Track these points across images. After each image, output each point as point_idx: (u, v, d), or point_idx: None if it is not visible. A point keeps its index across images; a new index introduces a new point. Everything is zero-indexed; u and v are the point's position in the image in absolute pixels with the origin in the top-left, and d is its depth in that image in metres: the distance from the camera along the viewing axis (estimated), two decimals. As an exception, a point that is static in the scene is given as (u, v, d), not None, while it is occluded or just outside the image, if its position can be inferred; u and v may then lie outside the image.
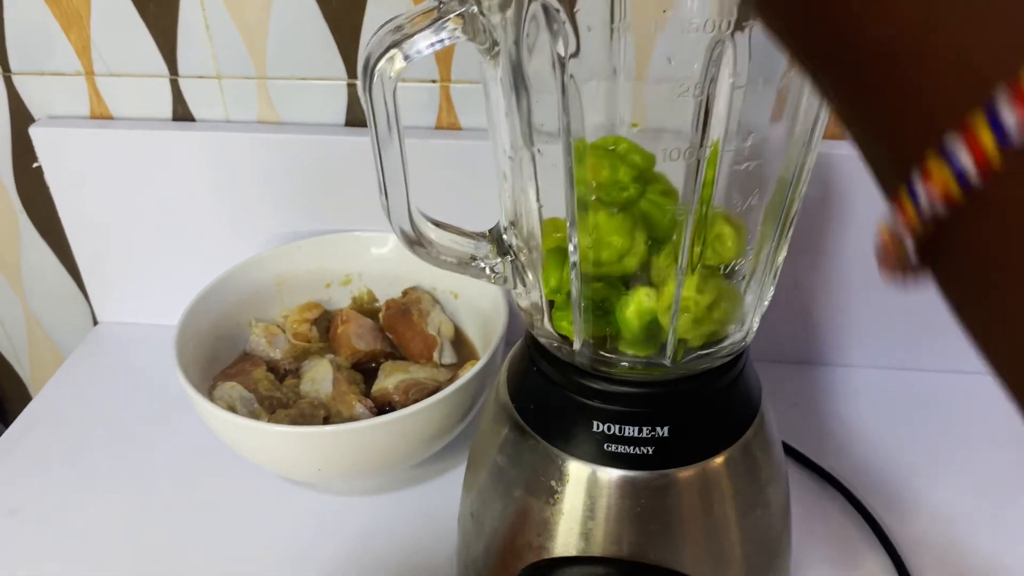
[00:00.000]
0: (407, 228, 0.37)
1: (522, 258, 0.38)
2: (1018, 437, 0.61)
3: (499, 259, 0.39)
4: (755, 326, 0.40)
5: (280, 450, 0.52)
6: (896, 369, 0.68)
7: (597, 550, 0.41)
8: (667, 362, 0.37)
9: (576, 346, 0.38)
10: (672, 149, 0.30)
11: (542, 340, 0.41)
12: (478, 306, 0.63)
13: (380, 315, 0.65)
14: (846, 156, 0.58)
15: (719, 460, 0.40)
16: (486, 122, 0.36)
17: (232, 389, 0.56)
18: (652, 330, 0.38)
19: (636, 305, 0.37)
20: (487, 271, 0.39)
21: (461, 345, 0.65)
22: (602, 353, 0.38)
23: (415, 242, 0.37)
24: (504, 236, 0.39)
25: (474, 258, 0.38)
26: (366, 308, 0.67)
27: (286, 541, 0.56)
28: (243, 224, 0.68)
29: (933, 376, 0.67)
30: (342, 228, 0.67)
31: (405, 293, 0.66)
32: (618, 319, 0.38)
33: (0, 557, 0.55)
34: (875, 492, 0.57)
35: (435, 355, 0.61)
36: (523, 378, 0.43)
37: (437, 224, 0.38)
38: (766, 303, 0.40)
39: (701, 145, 0.29)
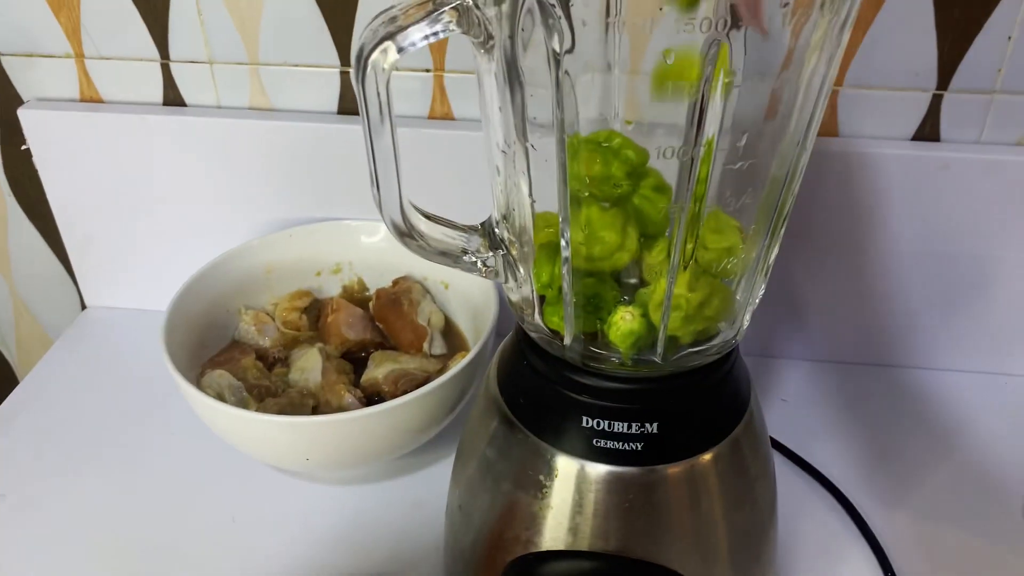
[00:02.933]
0: (398, 220, 0.37)
1: (514, 252, 0.38)
2: (1004, 437, 0.62)
3: (491, 253, 0.38)
4: (746, 323, 0.40)
5: (268, 439, 0.51)
6: (885, 366, 0.68)
7: (584, 544, 0.41)
8: (657, 359, 0.37)
9: (567, 341, 0.38)
10: (666, 147, 0.30)
11: (532, 334, 0.41)
12: (469, 297, 0.63)
13: (370, 305, 0.65)
14: (840, 153, 0.58)
15: (707, 457, 0.41)
16: (479, 114, 0.36)
17: (221, 377, 0.56)
18: (641, 346, 0.38)
19: (616, 328, 0.37)
20: (478, 265, 0.38)
21: (451, 336, 0.65)
22: (592, 349, 0.38)
23: (406, 234, 0.37)
24: (496, 230, 0.39)
25: (465, 251, 0.38)
26: (356, 297, 0.67)
27: (274, 530, 0.56)
28: (233, 211, 0.68)
29: (922, 374, 0.67)
30: (333, 216, 0.67)
31: (395, 283, 0.65)
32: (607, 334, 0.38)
33: (-15, 542, 0.55)
34: (861, 489, 0.57)
35: (425, 345, 0.61)
36: (513, 372, 0.43)
37: (428, 216, 0.38)
38: (757, 300, 0.40)
39: (695, 144, 0.29)
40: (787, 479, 0.58)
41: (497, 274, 0.39)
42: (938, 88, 0.57)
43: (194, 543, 0.55)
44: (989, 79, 0.56)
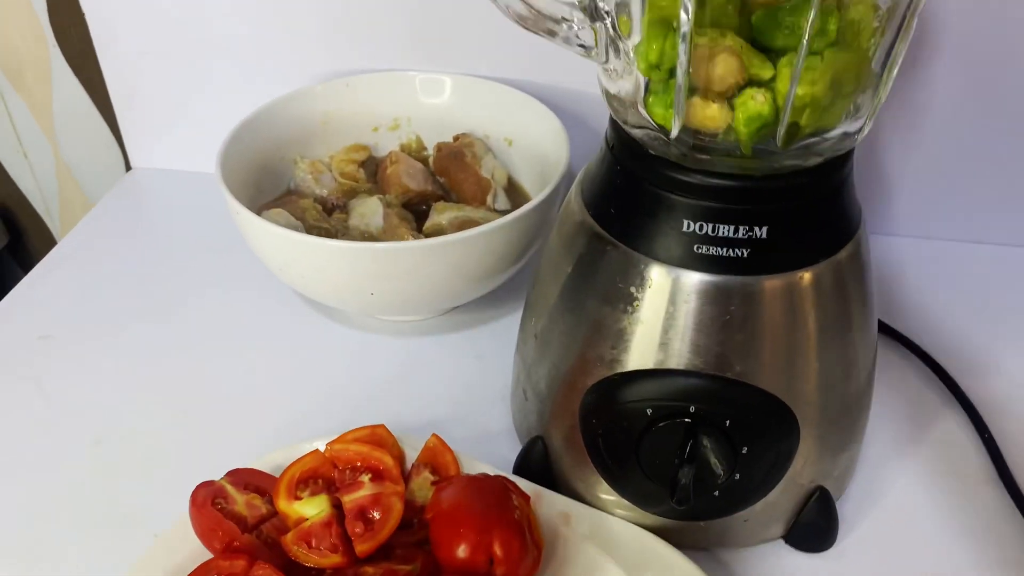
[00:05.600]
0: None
1: (620, 25, 0.35)
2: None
3: (590, 25, 0.35)
4: (868, 126, 0.36)
5: (330, 270, 0.49)
6: (974, 243, 0.64)
7: (675, 362, 0.38)
8: (776, 145, 0.34)
9: (674, 133, 0.35)
10: None
11: (632, 132, 0.37)
12: (535, 151, 0.60)
13: (430, 159, 0.62)
14: (946, -4, 0.54)
15: (813, 272, 0.37)
16: None
17: (278, 215, 0.53)
18: (764, 134, 0.34)
19: (744, 109, 0.33)
20: (575, 39, 0.35)
21: (515, 195, 0.61)
22: (702, 139, 0.35)
23: (510, 3, 0.34)
24: (601, 2, 0.35)
25: (564, 20, 0.35)
26: (415, 156, 0.64)
27: (329, 377, 0.54)
28: (290, 59, 0.65)
29: (1012, 251, 0.63)
30: (395, 67, 0.63)
31: (456, 138, 0.62)
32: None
33: (30, 378, 0.53)
34: (953, 357, 0.54)
35: (489, 199, 0.58)
36: (602, 182, 0.40)
37: (527, -17, 0.35)
38: (881, 101, 0.36)
39: None
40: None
41: (597, 53, 0.35)
42: (1062, -78, 0.52)
43: (246, 389, 0.53)
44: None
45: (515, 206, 0.60)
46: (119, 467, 0.48)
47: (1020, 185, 0.61)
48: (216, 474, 0.43)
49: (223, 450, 0.48)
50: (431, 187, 0.59)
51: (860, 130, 0.36)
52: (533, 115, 0.59)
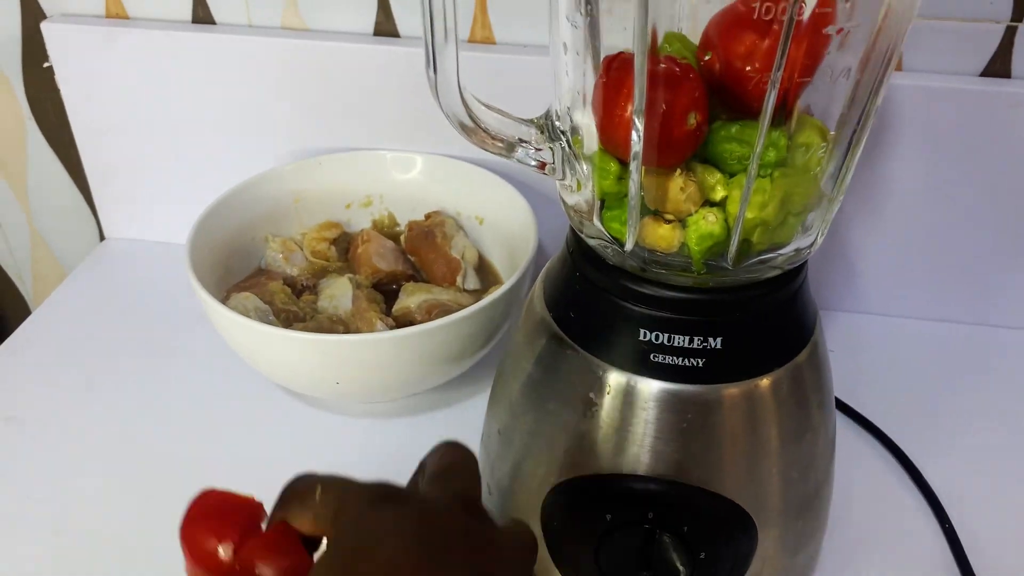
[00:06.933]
0: (456, 104, 0.34)
1: (576, 146, 0.35)
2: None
3: (547, 146, 0.36)
4: (820, 238, 0.37)
5: (298, 360, 0.49)
6: (935, 321, 0.65)
7: (633, 468, 0.38)
8: (728, 264, 0.35)
9: (628, 246, 0.35)
10: (766, 4, 0.27)
11: (589, 241, 0.38)
12: (505, 231, 0.60)
13: (402, 237, 0.63)
14: (905, 87, 0.55)
15: (771, 379, 0.38)
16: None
17: (247, 299, 0.54)
18: (716, 252, 0.35)
19: (696, 229, 0.34)
20: (533, 157, 0.36)
21: (485, 272, 0.62)
22: (657, 254, 0.36)
23: (463, 121, 0.34)
24: (557, 122, 0.36)
25: (523, 141, 0.35)
26: (387, 232, 0.64)
27: (297, 460, 0.53)
28: (263, 137, 0.65)
29: (972, 329, 0.64)
30: (366, 146, 0.64)
31: (428, 216, 0.63)
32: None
33: (-2, 462, 0.53)
34: (911, 437, 0.54)
35: (458, 279, 0.59)
36: (563, 285, 0.40)
37: (482, 103, 0.35)
38: (832, 215, 0.37)
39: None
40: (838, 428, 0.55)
41: (554, 170, 0.36)
42: (1013, 19, 0.54)
43: (213, 474, 0.52)
44: (1068, 11, 0.53)
45: (486, 284, 0.61)
46: (77, 560, 0.47)
47: (981, 265, 0.62)
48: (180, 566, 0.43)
49: (186, 540, 0.48)
50: (401, 267, 0.60)
51: (812, 244, 0.37)
52: (503, 196, 0.60)
